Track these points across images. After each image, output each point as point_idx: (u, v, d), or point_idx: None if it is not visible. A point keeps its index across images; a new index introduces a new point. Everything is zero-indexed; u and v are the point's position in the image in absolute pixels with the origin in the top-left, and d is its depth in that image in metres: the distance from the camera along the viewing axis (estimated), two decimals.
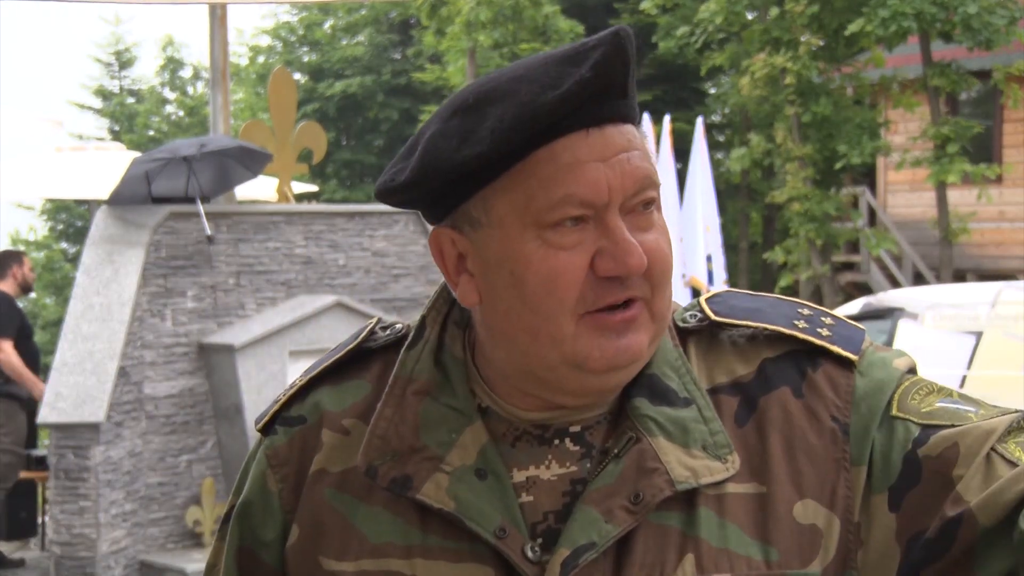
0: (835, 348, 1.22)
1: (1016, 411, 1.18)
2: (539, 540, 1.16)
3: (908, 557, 1.14)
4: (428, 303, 1.28)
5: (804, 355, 1.23)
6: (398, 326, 1.31)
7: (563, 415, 1.21)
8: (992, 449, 1.14)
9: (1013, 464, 1.13)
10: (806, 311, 1.26)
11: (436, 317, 1.27)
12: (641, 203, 1.16)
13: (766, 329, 1.24)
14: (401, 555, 1.18)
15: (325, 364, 1.31)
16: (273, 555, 1.27)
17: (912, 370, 1.24)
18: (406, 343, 1.26)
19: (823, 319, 1.25)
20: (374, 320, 1.35)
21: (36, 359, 8.31)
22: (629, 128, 1.18)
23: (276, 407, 1.31)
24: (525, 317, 1.15)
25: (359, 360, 1.30)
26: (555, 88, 1.11)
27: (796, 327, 1.23)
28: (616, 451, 1.17)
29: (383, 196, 1.22)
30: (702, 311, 1.26)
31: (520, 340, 1.17)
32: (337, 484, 1.23)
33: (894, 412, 1.19)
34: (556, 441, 1.20)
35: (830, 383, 1.21)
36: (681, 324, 1.26)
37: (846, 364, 1.22)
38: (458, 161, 1.14)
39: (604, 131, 1.15)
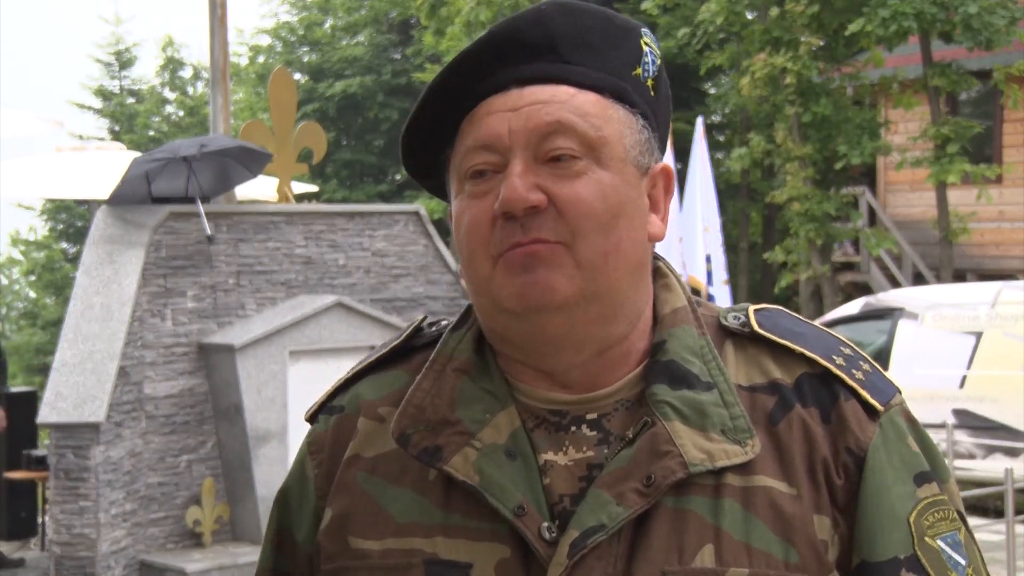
0: (863, 392, 1.23)
1: None
2: (556, 522, 1.18)
3: None
4: None
5: (839, 381, 1.24)
6: (444, 322, 1.35)
7: (577, 403, 1.23)
8: None
9: None
10: (847, 351, 1.27)
11: None
12: (556, 152, 1.19)
13: (804, 354, 1.25)
14: (424, 534, 1.21)
15: (371, 358, 1.35)
16: (306, 537, 1.31)
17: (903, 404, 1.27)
18: (451, 326, 1.31)
19: (861, 363, 1.27)
20: (422, 316, 1.39)
21: (3, 368, 8.41)
22: (563, 89, 1.20)
23: (323, 398, 1.36)
24: (467, 269, 1.22)
25: (404, 355, 1.34)
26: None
27: (833, 361, 1.25)
28: (631, 436, 1.20)
29: (413, 176, 1.31)
30: (747, 318, 1.28)
31: (472, 292, 1.23)
32: (369, 468, 1.27)
33: (912, 519, 1.21)
34: (573, 428, 1.23)
35: (856, 419, 1.22)
36: (723, 322, 1.28)
37: (871, 412, 1.23)
38: (404, 128, 1.25)
39: (526, 89, 1.20)
